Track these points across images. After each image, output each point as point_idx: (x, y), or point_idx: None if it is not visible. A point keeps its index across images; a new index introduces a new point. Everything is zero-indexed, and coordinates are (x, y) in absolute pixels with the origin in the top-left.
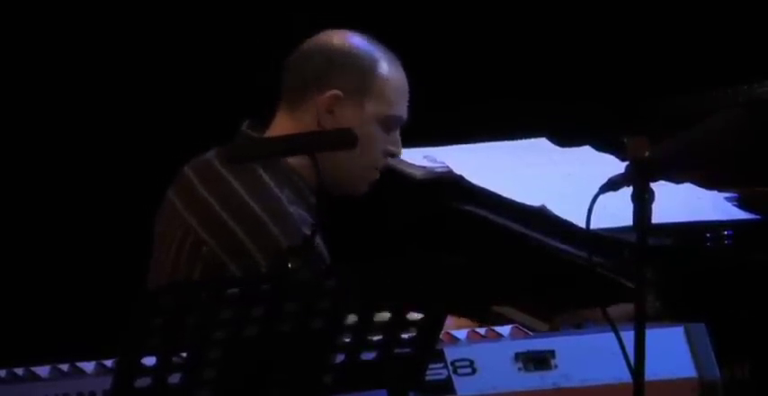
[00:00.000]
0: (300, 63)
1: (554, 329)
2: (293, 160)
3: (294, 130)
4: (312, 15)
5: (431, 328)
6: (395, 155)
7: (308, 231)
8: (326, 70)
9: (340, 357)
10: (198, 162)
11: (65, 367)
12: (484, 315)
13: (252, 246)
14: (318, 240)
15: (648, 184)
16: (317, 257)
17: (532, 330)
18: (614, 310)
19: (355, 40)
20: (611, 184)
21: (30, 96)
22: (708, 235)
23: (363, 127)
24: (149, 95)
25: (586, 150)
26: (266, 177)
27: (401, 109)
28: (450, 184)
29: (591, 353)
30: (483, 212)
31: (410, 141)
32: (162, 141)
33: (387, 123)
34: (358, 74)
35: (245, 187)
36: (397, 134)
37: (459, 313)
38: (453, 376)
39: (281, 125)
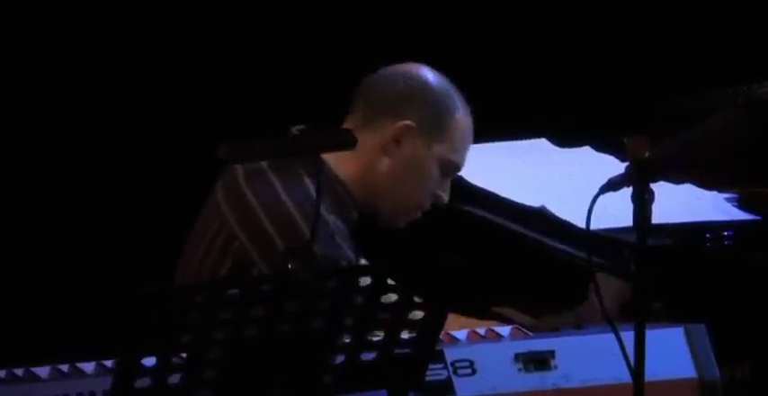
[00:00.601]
0: (379, 89)
1: (552, 329)
2: (343, 175)
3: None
4: (316, 16)
5: (431, 329)
6: (441, 201)
7: (341, 240)
8: (406, 100)
9: (340, 358)
10: None
11: (65, 368)
12: (484, 314)
13: (279, 241)
14: (344, 244)
15: (648, 185)
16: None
17: (532, 331)
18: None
19: (437, 79)
20: (611, 185)
21: (32, 96)
22: (708, 235)
23: (424, 164)
24: (156, 99)
25: (586, 151)
26: (309, 182)
27: (463, 157)
28: (450, 185)
29: (591, 353)
30: (482, 213)
31: None
32: (163, 141)
33: (446, 168)
34: (436, 112)
35: (288, 192)
36: (448, 182)
37: (461, 312)
38: (453, 377)
39: None
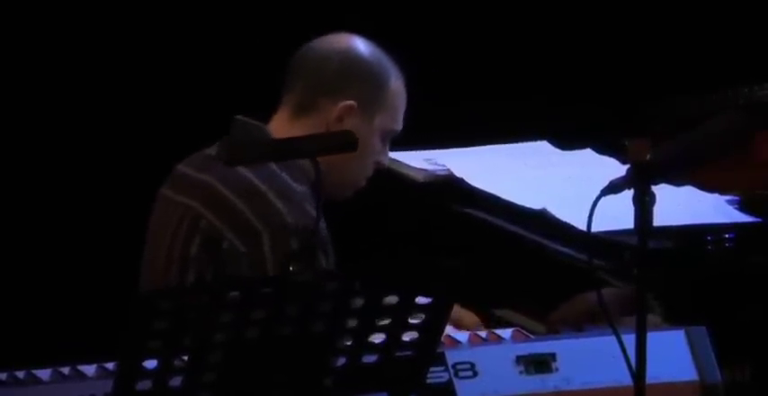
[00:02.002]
0: (315, 68)
1: (551, 329)
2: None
3: (300, 134)
4: (309, 15)
5: (432, 331)
6: (383, 166)
7: (309, 208)
8: (343, 79)
9: (341, 360)
10: (192, 157)
11: (66, 370)
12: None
13: (252, 217)
14: (324, 230)
15: (649, 187)
16: (322, 242)
17: (533, 333)
18: (606, 295)
19: (368, 49)
20: (613, 187)
21: (30, 96)
22: (709, 238)
23: (369, 139)
24: (151, 94)
25: (588, 153)
26: (271, 164)
27: (400, 123)
28: (452, 187)
29: (592, 356)
30: (484, 215)
31: (412, 144)
32: (164, 143)
33: (386, 136)
34: (374, 87)
35: (247, 169)
36: (387, 146)
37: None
38: (454, 379)
39: (285, 127)
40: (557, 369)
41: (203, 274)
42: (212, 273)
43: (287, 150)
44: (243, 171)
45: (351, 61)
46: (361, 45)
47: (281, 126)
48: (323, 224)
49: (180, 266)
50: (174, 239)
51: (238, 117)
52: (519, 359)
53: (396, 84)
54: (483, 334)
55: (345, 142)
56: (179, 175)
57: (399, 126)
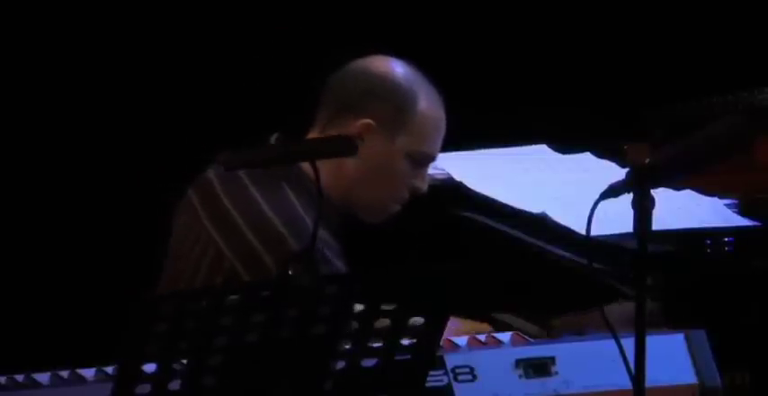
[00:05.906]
0: (341, 86)
1: (553, 335)
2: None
3: None
4: (313, 23)
5: (431, 335)
6: (419, 191)
7: (331, 254)
8: (364, 97)
9: (340, 363)
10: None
11: (65, 374)
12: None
13: (269, 259)
14: (330, 254)
15: (649, 191)
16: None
17: (532, 337)
18: (613, 311)
19: (400, 71)
20: (612, 191)
21: (29, 97)
22: (708, 242)
23: (390, 159)
24: (156, 98)
25: (587, 157)
26: (291, 195)
27: (433, 146)
28: (451, 191)
29: (591, 359)
30: (483, 219)
31: None
32: (166, 146)
33: (416, 159)
34: (395, 107)
35: (271, 205)
36: (425, 170)
37: (464, 315)
38: (454, 383)
39: None
40: (556, 373)
41: None
42: None
43: (286, 155)
44: (265, 209)
45: (373, 80)
46: (393, 67)
47: None
48: (330, 238)
49: None
50: (197, 271)
51: (271, 138)
52: (518, 363)
53: (425, 106)
54: (482, 337)
55: (344, 147)
56: (207, 187)
57: (430, 149)
